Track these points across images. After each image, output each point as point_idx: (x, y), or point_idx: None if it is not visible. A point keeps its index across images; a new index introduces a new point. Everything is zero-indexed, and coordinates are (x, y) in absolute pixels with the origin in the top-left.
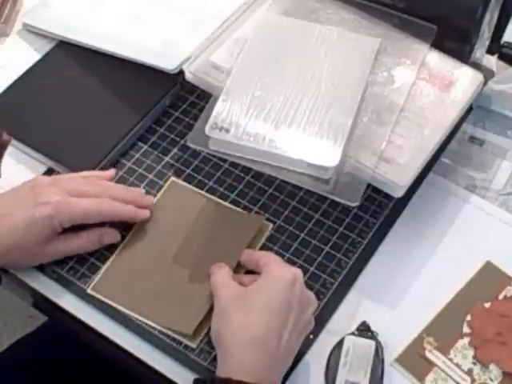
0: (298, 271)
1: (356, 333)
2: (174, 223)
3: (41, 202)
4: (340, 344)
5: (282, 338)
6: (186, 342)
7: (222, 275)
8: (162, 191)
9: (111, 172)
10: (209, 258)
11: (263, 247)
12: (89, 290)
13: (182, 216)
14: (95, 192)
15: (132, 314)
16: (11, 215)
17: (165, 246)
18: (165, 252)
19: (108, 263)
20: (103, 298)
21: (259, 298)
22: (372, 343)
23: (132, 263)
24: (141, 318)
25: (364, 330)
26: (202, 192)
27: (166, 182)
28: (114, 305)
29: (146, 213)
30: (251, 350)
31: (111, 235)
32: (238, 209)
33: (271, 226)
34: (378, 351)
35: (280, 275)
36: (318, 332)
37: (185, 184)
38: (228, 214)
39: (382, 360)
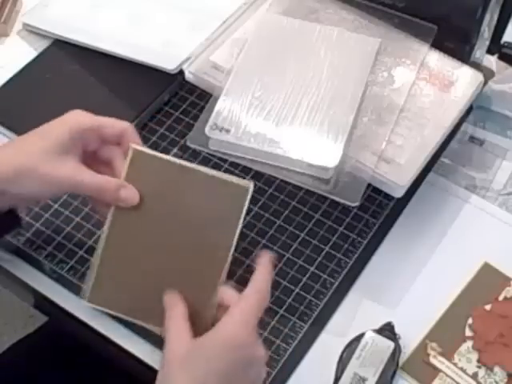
0: (248, 336)
1: (379, 330)
2: (152, 202)
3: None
4: (359, 337)
5: None
6: None
7: (178, 323)
8: (126, 164)
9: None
10: (202, 243)
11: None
12: (86, 303)
13: (159, 193)
14: None
15: (131, 319)
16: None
17: (150, 233)
18: (151, 240)
19: (96, 265)
20: (103, 309)
21: (202, 365)
22: (391, 344)
23: (120, 261)
24: (141, 323)
25: (387, 330)
26: (175, 159)
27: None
28: (113, 313)
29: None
30: None
31: (130, 191)
32: (217, 173)
33: (251, 186)
34: (395, 354)
35: (226, 339)
36: (318, 332)
37: (149, 151)
38: (210, 182)
39: (397, 363)
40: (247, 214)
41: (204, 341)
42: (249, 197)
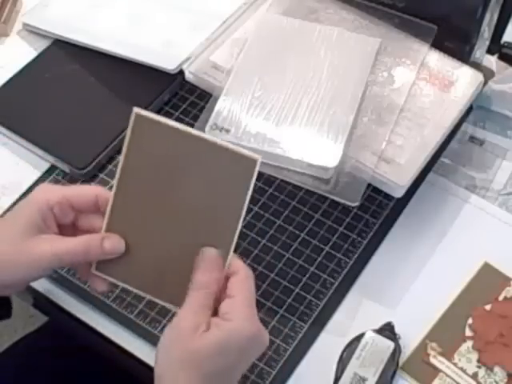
0: (257, 331)
1: (379, 330)
2: (158, 172)
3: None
4: (359, 337)
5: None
6: None
7: (197, 301)
8: (128, 131)
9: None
10: (210, 215)
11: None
12: (93, 271)
13: (164, 162)
14: None
15: (137, 291)
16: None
17: (157, 204)
18: (159, 211)
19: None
20: (109, 278)
21: (212, 364)
22: (391, 344)
23: (126, 232)
24: (148, 296)
25: (387, 330)
26: (180, 125)
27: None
28: (120, 283)
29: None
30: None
31: (113, 240)
32: (226, 144)
33: (260, 158)
34: (395, 354)
35: (236, 336)
36: (318, 332)
37: (153, 116)
38: (219, 152)
39: (397, 363)
40: (247, 213)
41: (216, 331)
42: (257, 169)
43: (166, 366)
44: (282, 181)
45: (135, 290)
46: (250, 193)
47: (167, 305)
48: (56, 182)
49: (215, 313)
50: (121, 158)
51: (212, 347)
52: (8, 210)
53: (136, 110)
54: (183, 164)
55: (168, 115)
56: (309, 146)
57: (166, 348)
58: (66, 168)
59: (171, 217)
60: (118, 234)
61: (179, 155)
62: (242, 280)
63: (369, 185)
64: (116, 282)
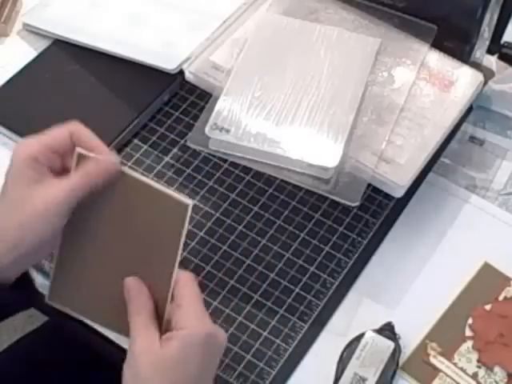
0: (209, 328)
1: (379, 330)
2: (100, 208)
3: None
4: (359, 337)
5: None
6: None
7: (142, 316)
8: (72, 169)
9: None
10: (148, 255)
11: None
12: (47, 301)
13: (105, 198)
14: None
15: (88, 321)
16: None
17: (100, 237)
18: (101, 244)
19: (53, 266)
20: (63, 308)
21: (180, 371)
22: (391, 344)
23: (75, 263)
24: (99, 327)
25: (387, 330)
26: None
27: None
28: (74, 314)
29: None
30: None
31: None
32: (159, 186)
33: (191, 204)
34: (395, 354)
35: (193, 341)
36: (318, 332)
37: (92, 155)
38: (153, 194)
39: (397, 363)
40: (247, 213)
41: (173, 342)
42: (189, 213)
43: None
44: (282, 181)
45: (87, 321)
46: (184, 234)
47: (116, 334)
48: None
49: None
50: None
51: (172, 359)
52: None
53: (78, 149)
54: (122, 202)
55: (168, 115)
56: (309, 145)
57: (131, 376)
58: None
59: (116, 254)
60: (70, 269)
61: (118, 193)
62: (184, 286)
63: (369, 185)
64: (69, 312)
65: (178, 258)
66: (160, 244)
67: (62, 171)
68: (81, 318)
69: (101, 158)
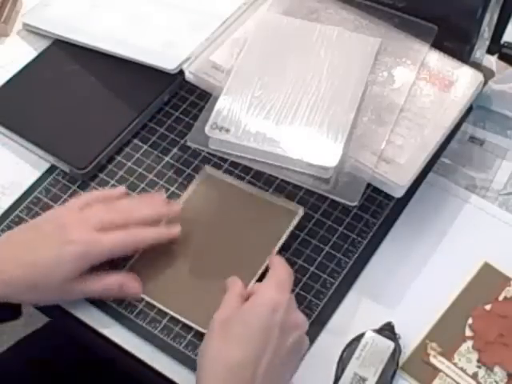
0: (283, 298)
1: (379, 330)
2: (201, 214)
3: (69, 240)
4: (359, 337)
5: (259, 366)
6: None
7: (231, 295)
8: (195, 185)
9: (121, 189)
10: (239, 255)
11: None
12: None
13: (210, 207)
14: (120, 219)
15: (164, 308)
16: (37, 252)
17: (192, 239)
18: (192, 245)
19: (135, 257)
20: (154, 302)
21: (238, 326)
22: (391, 344)
23: (158, 255)
24: (173, 314)
25: (387, 330)
26: (234, 182)
27: (162, 179)
28: (147, 299)
29: (176, 230)
30: (225, 379)
31: (133, 285)
32: (271, 197)
33: (301, 210)
34: (395, 354)
35: (262, 303)
36: (318, 332)
37: (219, 175)
38: (261, 205)
39: (397, 363)
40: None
41: (244, 306)
42: (295, 221)
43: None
44: (282, 181)
45: (173, 313)
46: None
47: (195, 326)
48: (56, 181)
49: None
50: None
51: (240, 316)
52: (8, 210)
53: (207, 168)
54: (232, 214)
55: (168, 115)
56: (308, 145)
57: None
58: (66, 168)
59: (213, 256)
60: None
61: (231, 206)
62: (274, 269)
63: (369, 185)
64: (159, 305)
65: (267, 262)
66: (256, 245)
67: None
68: (167, 310)
69: None
